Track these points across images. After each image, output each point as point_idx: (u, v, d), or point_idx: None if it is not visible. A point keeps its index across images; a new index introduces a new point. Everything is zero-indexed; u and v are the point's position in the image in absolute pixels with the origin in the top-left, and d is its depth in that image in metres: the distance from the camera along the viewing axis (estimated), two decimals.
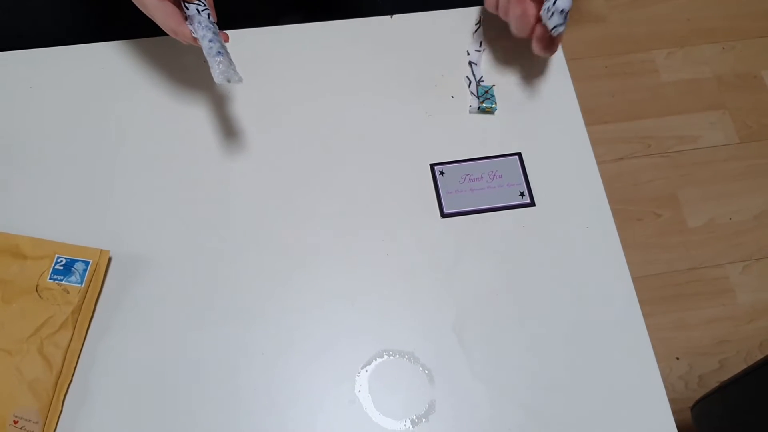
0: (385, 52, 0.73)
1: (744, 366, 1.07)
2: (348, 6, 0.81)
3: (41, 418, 0.55)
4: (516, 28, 0.66)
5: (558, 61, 0.73)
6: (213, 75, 0.57)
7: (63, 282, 0.59)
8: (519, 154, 0.68)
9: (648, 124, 1.62)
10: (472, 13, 0.75)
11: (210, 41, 0.57)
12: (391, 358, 0.60)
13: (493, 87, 0.71)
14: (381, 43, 0.74)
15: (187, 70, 0.71)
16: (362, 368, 0.59)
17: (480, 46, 0.73)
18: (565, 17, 0.62)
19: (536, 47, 0.66)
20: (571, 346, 0.60)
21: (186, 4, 0.58)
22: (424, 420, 0.57)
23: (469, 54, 0.73)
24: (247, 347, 0.59)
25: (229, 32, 0.72)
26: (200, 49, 0.57)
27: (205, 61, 0.57)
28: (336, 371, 0.59)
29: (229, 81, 0.57)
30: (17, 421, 0.55)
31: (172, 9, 0.58)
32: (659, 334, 1.39)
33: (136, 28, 0.74)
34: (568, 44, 0.73)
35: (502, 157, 0.68)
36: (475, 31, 0.74)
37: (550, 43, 0.66)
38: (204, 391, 0.58)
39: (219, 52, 0.57)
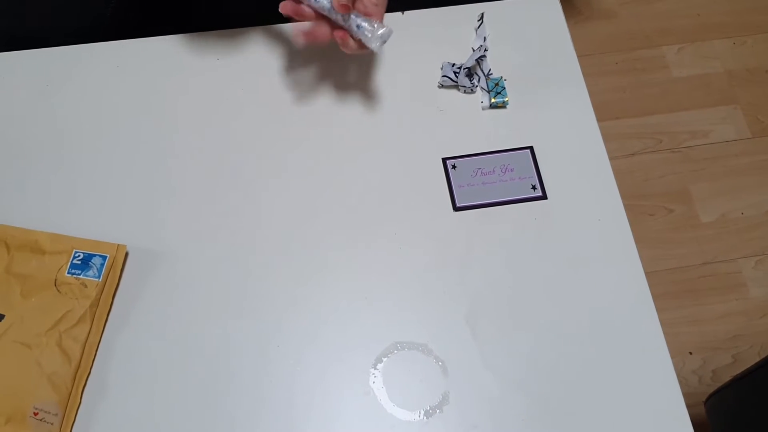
0: (397, 47, 0.73)
1: (757, 360, 1.07)
2: None
3: (60, 410, 0.56)
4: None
5: (569, 54, 0.73)
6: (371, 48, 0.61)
7: (81, 276, 0.60)
8: (531, 148, 0.68)
9: (659, 119, 1.61)
10: (481, 9, 0.75)
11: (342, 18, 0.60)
12: (405, 350, 0.60)
13: (503, 79, 0.71)
14: (393, 39, 0.74)
15: (199, 69, 0.72)
16: (376, 360, 0.60)
17: (484, 41, 0.73)
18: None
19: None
20: (583, 339, 0.61)
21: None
22: (437, 411, 0.58)
23: (474, 51, 0.73)
24: (263, 340, 0.60)
25: (239, 31, 0.73)
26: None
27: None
28: (351, 363, 0.59)
29: (384, 41, 0.61)
30: (37, 413, 0.55)
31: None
32: (672, 329, 1.39)
33: (149, 27, 0.74)
34: (578, 40, 0.73)
35: (513, 150, 0.68)
36: (478, 27, 0.74)
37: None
38: (220, 383, 0.59)
39: (358, 25, 0.60)
